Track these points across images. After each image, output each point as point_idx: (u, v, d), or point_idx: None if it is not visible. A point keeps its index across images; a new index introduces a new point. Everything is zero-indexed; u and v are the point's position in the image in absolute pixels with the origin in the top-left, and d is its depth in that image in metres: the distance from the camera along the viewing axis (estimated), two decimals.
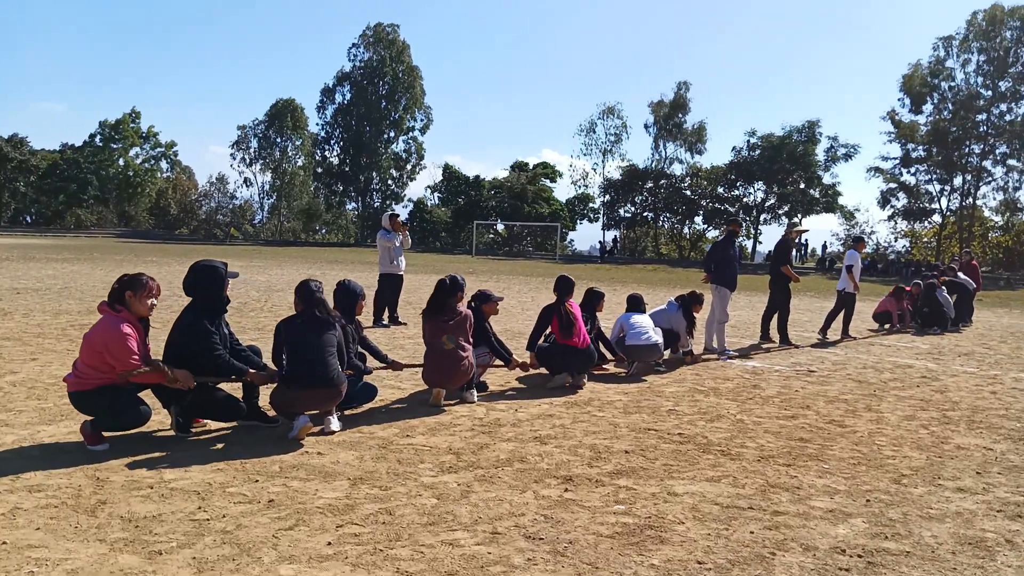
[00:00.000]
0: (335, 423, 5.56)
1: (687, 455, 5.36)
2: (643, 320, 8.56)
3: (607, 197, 65.08)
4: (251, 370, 5.45)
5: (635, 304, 8.76)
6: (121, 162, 75.69)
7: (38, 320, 10.90)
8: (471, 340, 6.77)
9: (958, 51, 51.08)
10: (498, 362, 7.64)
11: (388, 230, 12.63)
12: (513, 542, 3.69)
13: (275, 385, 5.55)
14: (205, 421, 5.54)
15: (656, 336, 8.47)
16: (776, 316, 11.70)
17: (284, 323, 5.65)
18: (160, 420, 5.51)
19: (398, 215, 13.24)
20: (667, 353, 9.09)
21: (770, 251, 12.75)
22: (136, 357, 4.90)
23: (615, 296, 14.65)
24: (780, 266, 11.67)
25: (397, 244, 12.52)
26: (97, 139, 74.24)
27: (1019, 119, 49.64)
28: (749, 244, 59.16)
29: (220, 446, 5.15)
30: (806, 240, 56.65)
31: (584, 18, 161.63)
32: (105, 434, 4.98)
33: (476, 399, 6.86)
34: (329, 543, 3.59)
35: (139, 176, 76.14)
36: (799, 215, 57.77)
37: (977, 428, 6.61)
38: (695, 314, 9.59)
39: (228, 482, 4.41)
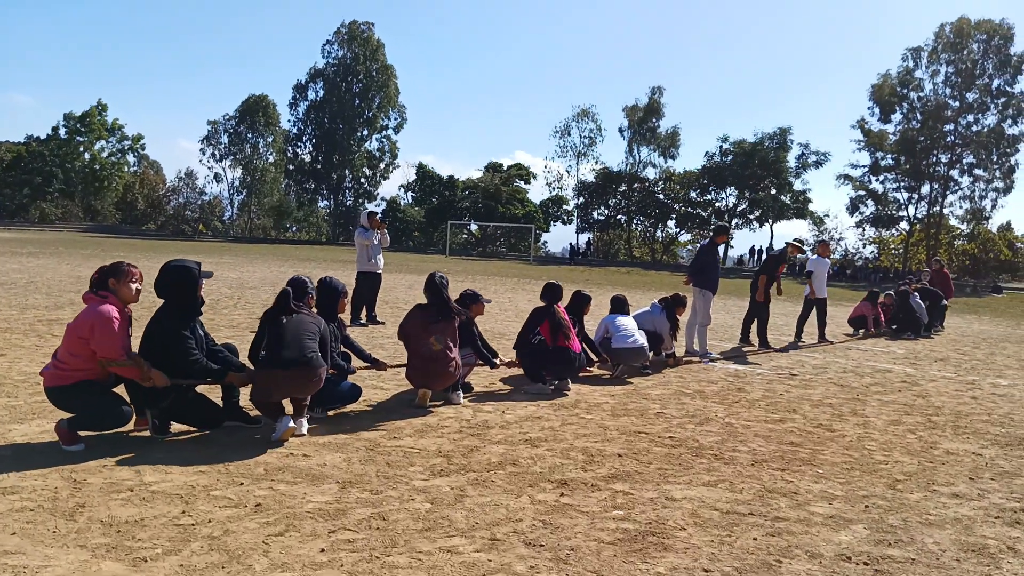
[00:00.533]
0: (304, 426, 5.37)
1: (681, 459, 5.28)
2: (628, 322, 8.49)
3: (581, 199, 65.27)
4: (231, 372, 5.26)
5: (619, 305, 8.68)
6: (87, 155, 74.21)
7: (4, 315, 10.55)
8: (457, 340, 6.64)
9: (927, 62, 52.06)
10: (482, 362, 7.52)
11: (366, 228, 12.44)
12: (513, 549, 3.57)
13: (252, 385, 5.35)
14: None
15: (642, 339, 8.40)
16: (756, 320, 11.72)
17: (267, 311, 5.57)
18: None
19: (376, 212, 13.04)
20: (650, 355, 9.02)
21: (764, 257, 12.61)
22: (120, 345, 4.72)
23: (595, 298, 14.57)
24: (761, 274, 11.69)
25: (375, 242, 12.34)
26: (62, 131, 72.71)
27: (985, 130, 50.68)
28: (721, 249, 59.61)
29: (201, 448, 4.96)
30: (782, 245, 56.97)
31: (559, 21, 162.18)
32: (80, 433, 4.77)
33: (462, 400, 6.73)
34: (323, 550, 3.44)
35: (105, 170, 74.70)
36: (770, 220, 58.41)
37: (963, 433, 6.62)
38: (678, 316, 9.54)
39: (212, 485, 4.23)
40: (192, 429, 5.32)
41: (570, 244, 63.27)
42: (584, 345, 8.42)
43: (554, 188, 67.66)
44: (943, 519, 4.32)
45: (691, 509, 4.24)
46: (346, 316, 10.79)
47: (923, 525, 4.20)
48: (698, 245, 11.39)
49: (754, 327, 11.86)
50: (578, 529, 3.86)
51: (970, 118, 51.28)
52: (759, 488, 4.70)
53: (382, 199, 72.78)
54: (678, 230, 65.60)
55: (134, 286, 4.96)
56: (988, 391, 9.00)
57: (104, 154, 75.77)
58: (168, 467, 4.50)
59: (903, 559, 3.69)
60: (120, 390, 5.00)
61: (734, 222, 59.81)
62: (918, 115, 52.27)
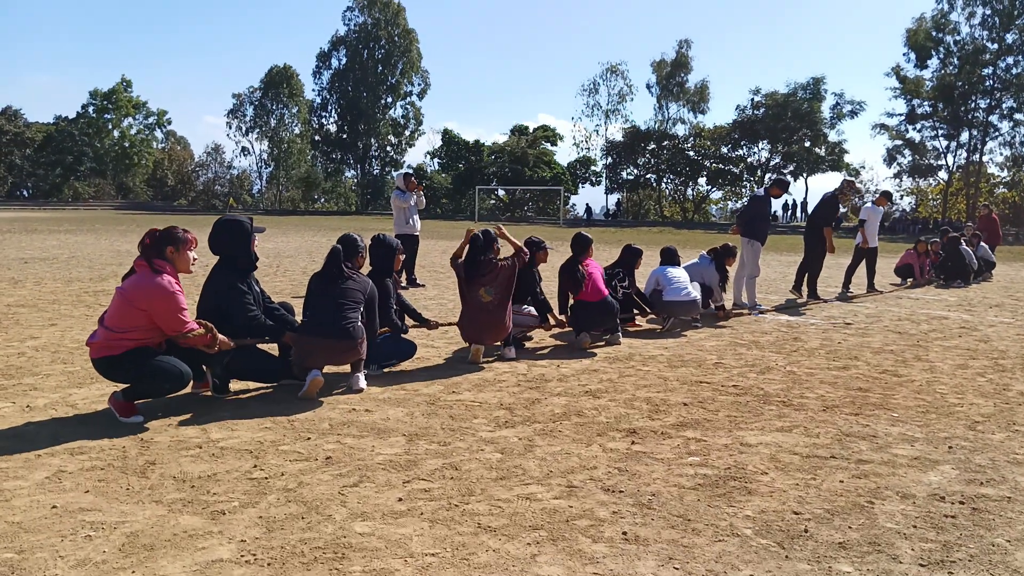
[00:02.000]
0: (362, 381, 5.31)
1: (749, 406, 5.14)
2: (681, 274, 8.29)
3: (609, 159, 64.49)
4: (288, 332, 5.18)
5: (669, 257, 8.49)
6: (116, 133, 74.80)
7: (50, 288, 10.65)
8: (511, 291, 6.48)
9: (962, 4, 50.17)
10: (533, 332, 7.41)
11: (403, 190, 12.31)
12: (592, 495, 3.47)
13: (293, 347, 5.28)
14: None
15: (695, 292, 8.22)
16: (807, 271, 11.43)
17: (314, 275, 5.44)
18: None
19: (412, 174, 12.90)
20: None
21: (814, 206, 11.65)
22: (187, 315, 4.54)
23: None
24: (824, 226, 11.23)
25: (412, 203, 12.22)
26: (91, 110, 73.25)
27: None
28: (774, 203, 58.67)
29: (263, 405, 4.92)
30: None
31: None
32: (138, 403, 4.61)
33: (515, 355, 6.63)
34: (400, 499, 3.37)
35: (134, 147, 75.27)
36: (804, 173, 57.28)
37: None
38: (727, 267, 9.33)
39: (279, 440, 4.19)
40: (252, 388, 5.29)
41: (586, 205, 62.45)
42: (635, 298, 8.29)
43: (582, 149, 66.88)
44: None
45: (769, 454, 4.11)
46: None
47: (1012, 464, 4.03)
48: (751, 195, 10.92)
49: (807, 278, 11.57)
50: (656, 475, 3.75)
51: (1009, 60, 49.44)
52: (836, 432, 4.55)
53: (408, 166, 72.53)
54: (709, 187, 64.65)
55: (191, 255, 4.72)
56: None
57: (132, 131, 76.31)
58: (233, 424, 4.46)
59: (999, 497, 3.54)
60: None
61: (767, 176, 58.77)
62: (955, 60, 50.54)
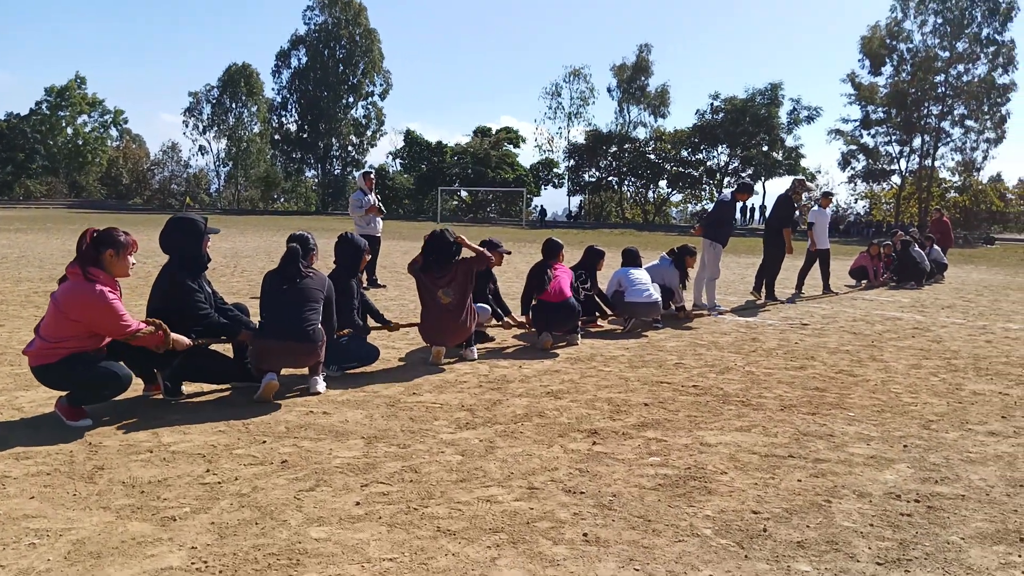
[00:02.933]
0: (320, 384, 5.22)
1: (708, 406, 5.17)
2: (643, 276, 8.33)
3: (571, 162, 64.75)
4: (243, 330, 5.07)
5: (631, 258, 8.52)
6: (70, 131, 73.08)
7: None
8: (469, 292, 6.44)
9: (915, 12, 51.37)
10: (494, 321, 7.39)
11: (364, 191, 12.17)
12: (553, 497, 3.44)
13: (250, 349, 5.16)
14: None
15: (656, 293, 8.26)
16: (764, 272, 11.58)
17: (268, 273, 5.29)
18: (138, 384, 5.16)
19: (371, 172, 12.78)
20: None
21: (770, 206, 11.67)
22: (129, 320, 4.38)
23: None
24: (782, 227, 11.39)
25: (372, 204, 12.04)
26: (44, 107, 71.46)
27: (976, 80, 50.23)
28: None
29: (217, 408, 4.81)
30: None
31: None
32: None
33: (476, 356, 6.58)
34: (357, 503, 3.31)
35: (88, 145, 73.61)
36: (762, 177, 58.11)
37: (986, 375, 6.53)
38: (688, 268, 9.40)
39: (233, 444, 4.09)
40: (206, 390, 5.17)
41: (540, 206, 62.24)
42: (597, 299, 8.30)
43: (544, 151, 67.05)
44: (984, 456, 4.23)
45: (729, 453, 4.13)
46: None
47: (966, 463, 4.10)
48: (717, 199, 10.98)
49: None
50: (616, 476, 3.74)
51: (960, 68, 50.77)
52: (793, 431, 4.59)
53: (370, 167, 71.90)
54: (670, 190, 65.27)
55: (131, 260, 4.52)
56: (1001, 335, 8.92)
57: (87, 129, 74.63)
58: (186, 427, 4.35)
59: (953, 495, 3.59)
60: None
61: (725, 180, 59.50)
62: (908, 67, 51.73)
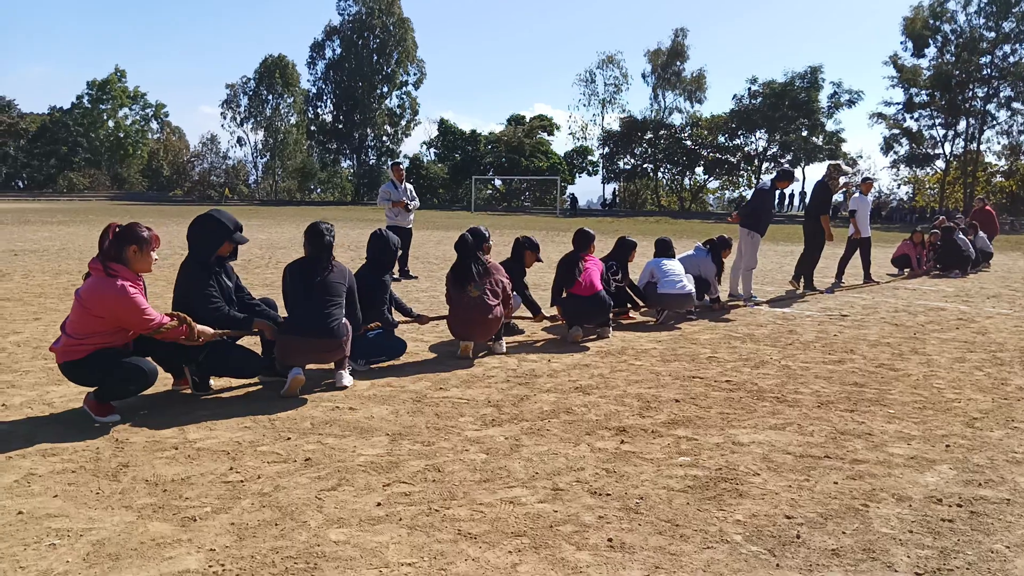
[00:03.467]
0: (347, 378, 5.19)
1: (742, 403, 5.03)
2: (675, 267, 8.16)
3: (606, 149, 64.27)
4: (257, 320, 5.01)
5: (664, 248, 8.36)
6: (111, 124, 74.43)
7: (38, 280, 10.51)
8: (501, 289, 6.39)
9: None
10: (523, 311, 7.32)
11: (394, 182, 12.10)
12: (578, 499, 3.36)
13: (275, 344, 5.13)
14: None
15: (690, 284, 8.09)
16: (804, 261, 11.33)
17: (289, 266, 5.22)
18: (166, 379, 5.18)
19: (400, 163, 12.74)
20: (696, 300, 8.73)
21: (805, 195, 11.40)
22: (154, 315, 4.38)
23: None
24: (819, 215, 11.17)
25: (401, 196, 11.92)
26: (85, 100, 72.86)
27: (1023, 60, 48.65)
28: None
29: (244, 404, 4.81)
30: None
31: None
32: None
33: (504, 350, 6.51)
34: (379, 503, 3.25)
35: (130, 137, 74.94)
36: (802, 163, 57.08)
37: None
38: (723, 259, 9.21)
39: (258, 440, 4.07)
40: (235, 385, 5.17)
41: (571, 195, 60.92)
42: (629, 291, 8.17)
43: (578, 138, 66.63)
44: None
45: (762, 453, 4.00)
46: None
47: (1011, 464, 3.93)
48: (756, 187, 10.77)
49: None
50: (644, 477, 3.64)
51: (1006, 48, 49.21)
52: (830, 430, 4.44)
53: (404, 156, 72.28)
54: (706, 177, 64.49)
55: (153, 255, 4.52)
56: None
57: (128, 122, 75.94)
58: (212, 423, 4.34)
59: (998, 500, 3.43)
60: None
61: (764, 166, 58.58)
62: (952, 48, 50.30)
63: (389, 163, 14.80)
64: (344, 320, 5.04)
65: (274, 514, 3.14)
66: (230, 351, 4.97)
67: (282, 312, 5.33)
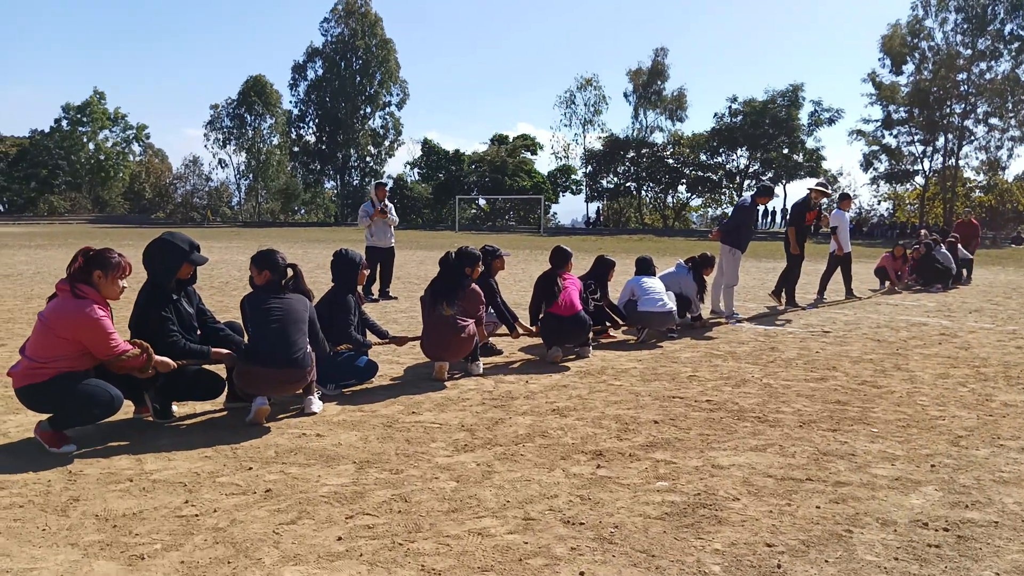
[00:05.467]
0: (316, 403, 5.02)
1: (722, 423, 4.90)
2: (656, 284, 8.06)
3: (589, 168, 64.48)
4: (214, 349, 4.80)
5: (644, 267, 8.26)
6: (92, 146, 73.88)
7: (8, 305, 10.27)
8: (477, 310, 6.26)
9: (936, 10, 50.57)
10: (502, 329, 7.18)
11: (374, 201, 11.91)
12: (551, 529, 3.21)
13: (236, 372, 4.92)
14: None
15: (671, 302, 7.99)
16: (786, 277, 11.29)
17: (246, 298, 4.98)
18: (128, 407, 4.99)
19: (383, 183, 12.54)
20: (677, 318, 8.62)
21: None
22: (119, 341, 4.22)
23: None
24: (789, 227, 11.20)
25: (377, 216, 11.70)
26: (64, 123, 72.32)
27: (999, 77, 49.33)
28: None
29: (207, 431, 4.62)
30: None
31: None
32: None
33: (482, 371, 6.36)
34: (339, 538, 3.09)
35: (111, 160, 74.38)
36: (783, 180, 57.43)
37: (1017, 384, 6.21)
38: (705, 277, 9.12)
39: (218, 471, 3.89)
40: (198, 412, 4.99)
41: (553, 214, 60.11)
42: (608, 310, 8.06)
43: (561, 158, 66.84)
44: (1019, 476, 3.93)
45: (742, 477, 3.87)
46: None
47: (998, 484, 3.81)
48: (737, 203, 10.74)
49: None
50: (620, 504, 3.49)
51: (983, 65, 49.87)
52: (812, 451, 4.32)
53: (388, 177, 72.17)
54: (689, 195, 64.78)
55: (122, 284, 4.36)
56: None
57: (108, 144, 75.41)
58: (171, 453, 4.16)
59: (986, 523, 3.31)
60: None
61: (746, 183, 58.88)
62: (930, 65, 50.92)
63: (372, 183, 14.30)
64: (308, 349, 4.86)
65: (227, 551, 2.96)
66: (190, 374, 4.77)
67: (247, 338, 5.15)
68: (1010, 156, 51.76)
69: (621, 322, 8.09)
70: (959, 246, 16.66)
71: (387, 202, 12.03)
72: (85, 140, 73.21)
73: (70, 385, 4.13)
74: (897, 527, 3.25)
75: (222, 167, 75.58)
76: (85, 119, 72.62)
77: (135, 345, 4.34)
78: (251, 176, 74.26)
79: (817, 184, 11.70)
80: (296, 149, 72.47)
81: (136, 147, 79.00)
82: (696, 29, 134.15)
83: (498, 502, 3.50)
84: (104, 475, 3.82)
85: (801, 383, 6.15)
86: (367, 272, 6.16)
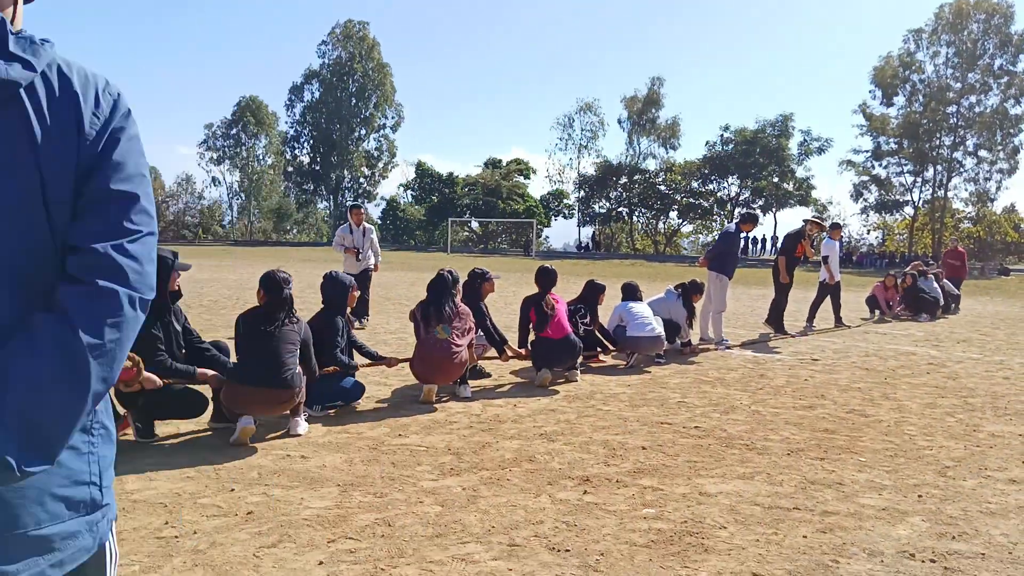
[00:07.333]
0: (302, 425, 4.98)
1: (710, 450, 4.88)
2: (644, 310, 8.08)
3: (582, 193, 64.83)
4: (199, 370, 4.75)
5: (631, 292, 8.27)
6: None
7: None
8: (466, 330, 6.24)
9: (927, 43, 51.37)
10: (491, 352, 7.15)
11: (352, 225, 11.18)
12: (536, 555, 3.17)
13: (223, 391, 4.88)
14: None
15: (659, 327, 7.99)
16: (774, 305, 11.33)
17: (243, 315, 4.98)
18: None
19: (358, 206, 11.62)
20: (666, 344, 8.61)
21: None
22: None
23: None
24: (780, 255, 11.28)
25: (354, 239, 10.99)
26: None
27: (988, 110, 50.01)
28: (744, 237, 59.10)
29: (190, 451, 4.57)
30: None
31: (554, 15, 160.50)
32: None
33: (470, 394, 6.33)
34: (321, 562, 3.04)
35: None
36: (773, 208, 57.85)
37: (1004, 415, 6.21)
38: (694, 303, 9.13)
39: (199, 492, 3.84)
40: (181, 431, 4.93)
41: (526, 238, 59.66)
42: (598, 334, 8.04)
43: (555, 182, 67.19)
44: (1005, 508, 3.92)
45: (729, 505, 3.84)
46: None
47: (985, 515, 3.80)
48: (722, 230, 10.82)
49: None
50: (606, 531, 3.46)
51: (972, 99, 50.57)
52: (800, 479, 4.30)
53: (382, 198, 72.35)
54: (680, 221, 65.16)
55: None
56: (1019, 371, 8.59)
57: None
58: (153, 473, 4.11)
59: (972, 554, 3.29)
60: None
61: (736, 211, 59.23)
62: (920, 97, 51.57)
63: (348, 205, 13.28)
64: (298, 370, 4.83)
65: (206, 574, 2.91)
66: (172, 391, 4.71)
67: (234, 358, 5.11)
68: (998, 188, 52.46)
69: (611, 347, 8.08)
70: (944, 279, 16.75)
71: (365, 225, 11.35)
72: None
73: None
74: (884, 557, 3.23)
75: (215, 185, 75.61)
76: None
77: (128, 358, 4.30)
78: (243, 195, 74.31)
79: (814, 216, 11.82)
80: (290, 169, 72.64)
81: None
82: (691, 59, 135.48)
83: (483, 527, 3.47)
84: None
85: (789, 411, 6.14)
86: (358, 294, 6.13)
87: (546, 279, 7.32)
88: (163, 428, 4.92)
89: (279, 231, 76.45)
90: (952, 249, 18.77)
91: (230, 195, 75.47)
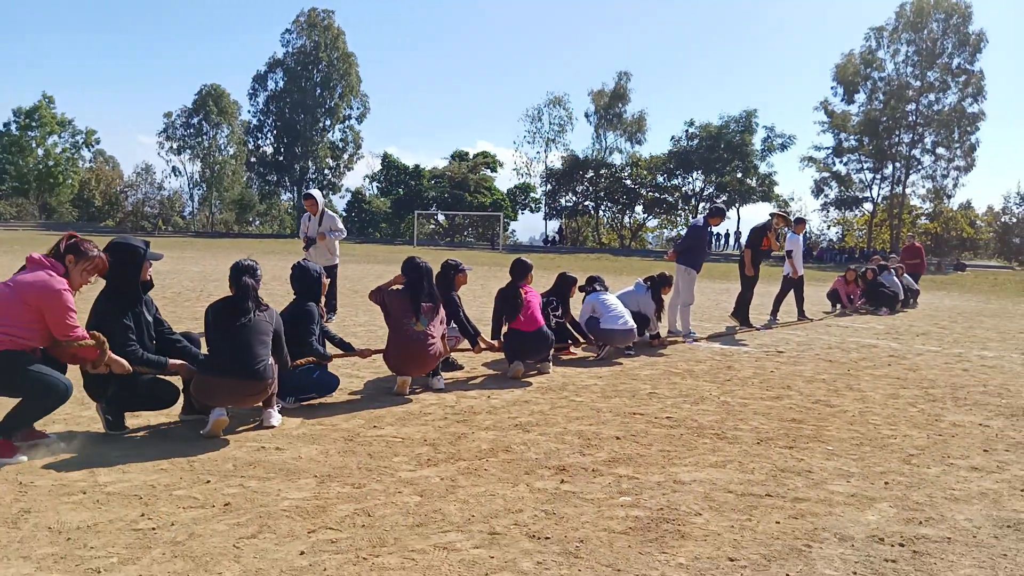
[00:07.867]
0: (275, 417, 4.94)
1: (682, 440, 4.96)
2: (616, 302, 8.15)
3: (548, 186, 64.98)
4: (171, 360, 4.68)
5: (597, 283, 8.34)
6: (40, 151, 71.94)
7: None
8: (443, 322, 6.24)
9: (888, 41, 52.31)
10: (464, 344, 7.16)
11: (311, 214, 10.72)
12: (516, 543, 3.20)
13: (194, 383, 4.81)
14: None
15: (631, 320, 8.07)
16: (740, 298, 11.49)
17: (213, 306, 4.91)
18: (92, 416, 4.87)
19: (310, 195, 10.77)
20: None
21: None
22: (76, 321, 4.16)
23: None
24: (746, 247, 11.46)
25: (310, 228, 10.61)
26: (12, 127, 70.35)
27: (946, 108, 51.10)
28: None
29: (162, 443, 4.52)
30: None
31: (521, 7, 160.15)
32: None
33: (443, 386, 6.34)
34: (302, 552, 3.04)
35: (59, 166, 72.48)
36: (736, 203, 58.54)
37: (964, 405, 6.40)
38: (663, 296, 9.23)
39: (174, 484, 3.81)
40: (152, 423, 4.87)
41: (494, 232, 59.02)
42: (569, 326, 8.09)
43: (523, 175, 67.23)
44: (968, 494, 4.05)
45: (703, 492, 3.91)
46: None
47: (950, 501, 3.92)
48: (690, 223, 10.93)
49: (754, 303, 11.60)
50: (584, 519, 3.50)
51: (931, 97, 51.67)
52: (771, 467, 4.39)
53: (347, 190, 71.78)
54: (646, 216, 65.67)
55: (89, 279, 4.40)
56: (977, 363, 8.83)
57: (57, 150, 73.51)
58: (126, 466, 4.05)
59: (939, 538, 3.40)
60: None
61: (701, 206, 59.89)
62: (881, 95, 52.54)
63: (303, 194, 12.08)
64: (270, 361, 4.79)
65: (186, 565, 2.90)
66: (142, 382, 4.64)
67: (204, 349, 5.05)
68: (955, 185, 53.63)
69: (583, 339, 8.14)
70: (904, 274, 17.15)
71: (327, 212, 10.76)
72: (34, 145, 71.26)
73: (18, 363, 4.00)
74: (854, 542, 3.32)
75: (176, 175, 74.28)
76: (34, 123, 70.71)
77: (92, 336, 4.26)
78: (205, 186, 73.13)
79: (780, 211, 12.01)
80: (253, 160, 71.59)
81: (86, 153, 77.21)
82: (657, 54, 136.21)
83: (463, 516, 3.49)
84: (56, 487, 3.70)
85: (758, 401, 6.25)
86: (328, 281, 6.09)
87: (519, 271, 7.34)
88: (133, 420, 4.85)
89: (241, 223, 75.41)
90: (909, 246, 19.21)
91: (191, 186, 74.30)
